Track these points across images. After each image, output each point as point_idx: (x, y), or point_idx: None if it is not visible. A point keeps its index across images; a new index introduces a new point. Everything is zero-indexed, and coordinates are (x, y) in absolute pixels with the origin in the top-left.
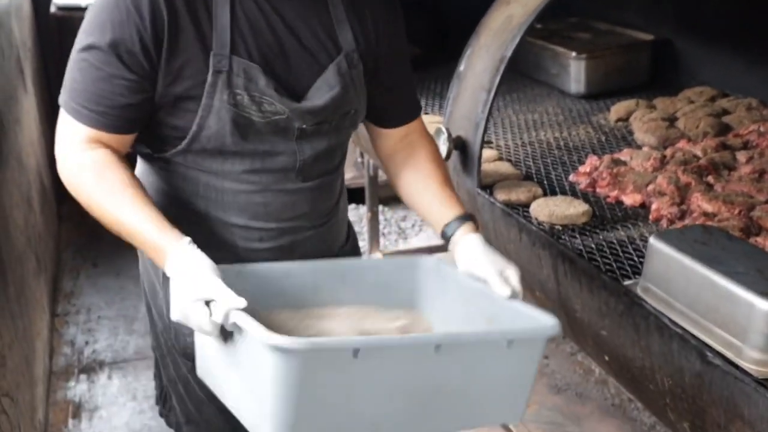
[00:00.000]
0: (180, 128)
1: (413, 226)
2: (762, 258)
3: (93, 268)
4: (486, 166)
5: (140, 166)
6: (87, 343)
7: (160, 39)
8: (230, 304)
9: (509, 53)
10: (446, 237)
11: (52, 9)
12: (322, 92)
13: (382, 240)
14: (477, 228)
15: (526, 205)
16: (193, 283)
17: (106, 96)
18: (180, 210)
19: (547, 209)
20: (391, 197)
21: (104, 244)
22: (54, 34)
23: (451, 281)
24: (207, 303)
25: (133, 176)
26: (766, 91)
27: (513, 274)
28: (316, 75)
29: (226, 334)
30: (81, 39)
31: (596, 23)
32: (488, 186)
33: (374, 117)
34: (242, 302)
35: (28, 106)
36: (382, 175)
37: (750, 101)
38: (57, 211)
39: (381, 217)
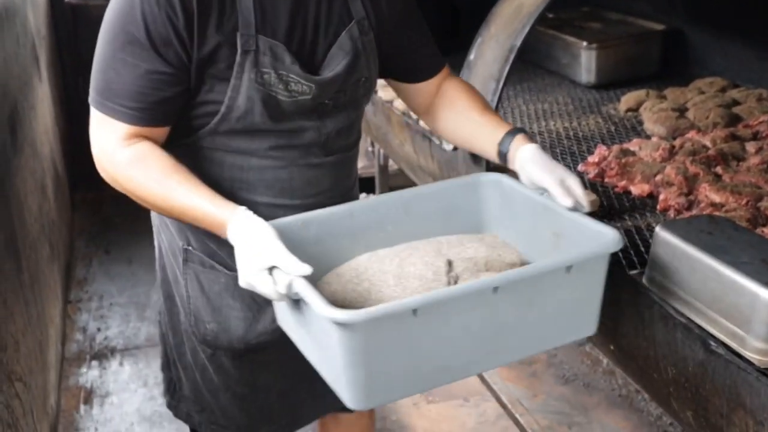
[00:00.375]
0: (209, 110)
1: None
2: (767, 248)
3: (105, 255)
4: None
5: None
6: (99, 329)
7: (192, 25)
8: (293, 271)
9: (519, 43)
10: (503, 156)
11: None
12: (337, 59)
13: None
14: (530, 138)
15: None
16: (256, 252)
17: (145, 92)
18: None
19: None
20: (401, 186)
21: (117, 232)
22: (69, 23)
23: (515, 196)
24: (271, 270)
25: (176, 161)
26: None
27: (574, 183)
28: (330, 44)
29: (294, 299)
30: (111, 35)
31: (607, 13)
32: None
33: (403, 75)
34: (305, 269)
35: (43, 94)
36: (392, 165)
37: (761, 92)
38: (70, 199)
39: None
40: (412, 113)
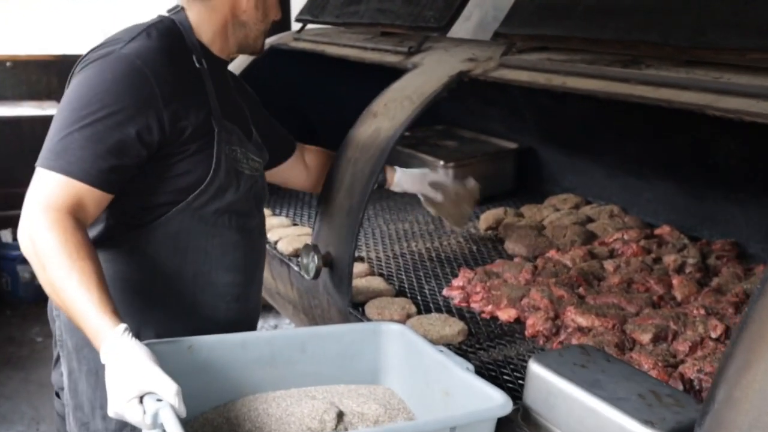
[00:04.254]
0: (190, 183)
1: None
2: (642, 381)
3: None
4: (357, 282)
5: (108, 250)
6: None
7: (174, 106)
8: (162, 390)
9: (378, 169)
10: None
11: None
12: (260, 143)
13: None
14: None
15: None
16: (127, 378)
17: (104, 157)
18: (164, 283)
19: (422, 329)
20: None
21: None
22: None
23: (414, 349)
24: (142, 398)
25: (94, 250)
26: (624, 198)
27: (439, 180)
28: (251, 128)
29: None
30: (80, 102)
31: (461, 131)
32: (360, 304)
33: (275, 157)
34: (174, 389)
35: None
36: None
37: (612, 208)
38: None
39: None
40: (268, 236)
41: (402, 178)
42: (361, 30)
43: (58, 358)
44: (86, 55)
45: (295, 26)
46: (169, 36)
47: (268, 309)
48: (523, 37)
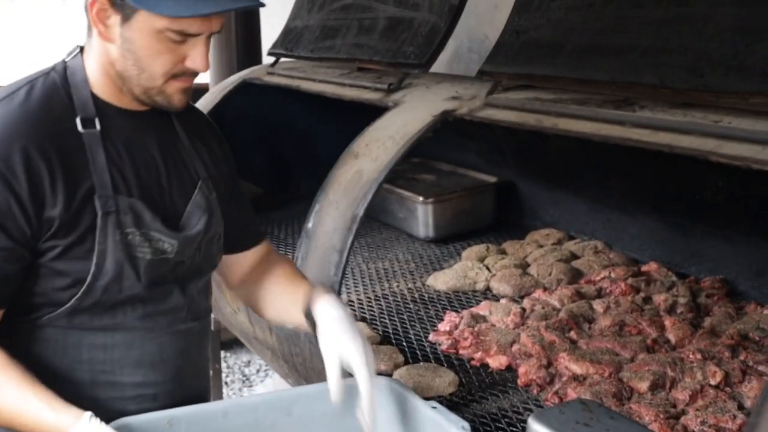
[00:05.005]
0: (65, 284)
1: (258, 371)
2: None
3: None
4: None
5: None
6: None
7: (40, 193)
8: None
9: (361, 212)
10: (309, 319)
11: None
12: (195, 217)
13: (225, 390)
14: (327, 302)
15: (389, 375)
16: None
17: None
18: (56, 386)
19: (411, 381)
20: (233, 340)
21: None
22: None
23: (405, 406)
24: None
25: (7, 354)
26: (608, 233)
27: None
28: (186, 201)
29: None
30: None
31: (438, 164)
32: None
33: (227, 243)
34: None
35: None
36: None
37: (595, 244)
38: None
39: (223, 364)
40: None
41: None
42: (337, 64)
43: None
44: None
45: (266, 59)
46: (43, 98)
47: (241, 344)
48: (509, 75)
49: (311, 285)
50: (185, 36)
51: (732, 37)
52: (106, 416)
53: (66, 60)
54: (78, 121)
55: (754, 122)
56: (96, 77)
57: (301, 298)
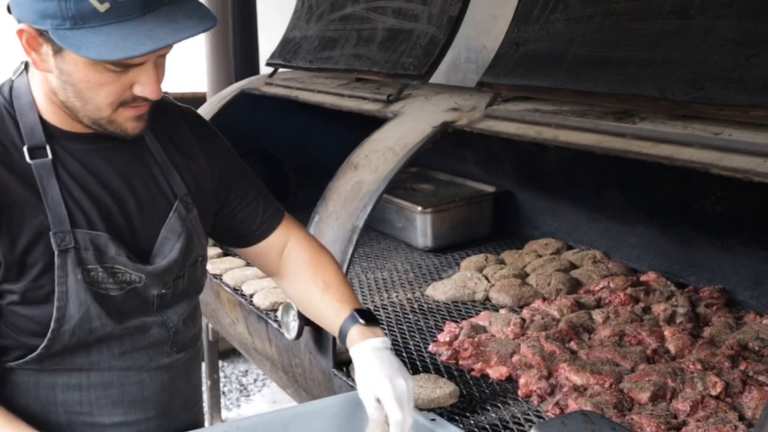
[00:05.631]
0: (34, 330)
1: (255, 381)
2: None
3: None
4: None
5: None
6: None
7: None
8: None
9: (361, 224)
10: (344, 342)
11: None
12: (169, 243)
13: (222, 399)
14: (365, 332)
15: None
16: None
17: None
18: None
19: (412, 392)
20: (230, 349)
21: None
22: None
23: None
24: None
25: None
26: (606, 243)
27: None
28: (159, 226)
29: None
30: None
31: (437, 174)
32: (345, 363)
33: (244, 237)
34: None
35: None
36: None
37: (594, 253)
38: None
39: (221, 374)
40: (243, 289)
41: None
42: (335, 75)
43: None
44: None
45: (264, 69)
46: None
47: (239, 354)
48: (509, 87)
49: (353, 305)
50: (127, 66)
51: (732, 50)
52: None
53: (13, 78)
54: (25, 150)
55: (755, 135)
56: (42, 102)
57: (339, 318)
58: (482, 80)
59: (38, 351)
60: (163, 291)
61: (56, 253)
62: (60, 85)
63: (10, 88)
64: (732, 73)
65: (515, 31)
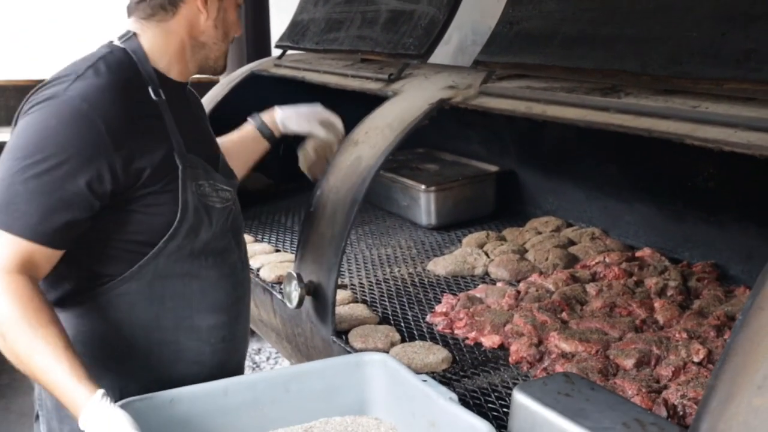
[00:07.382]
0: (159, 225)
1: (268, 359)
2: (626, 410)
3: None
4: (340, 310)
5: (78, 307)
6: None
7: (132, 149)
8: None
9: (360, 197)
10: (264, 134)
11: None
12: (228, 167)
13: None
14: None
15: (385, 352)
16: None
17: (54, 212)
18: (142, 334)
19: (406, 358)
20: None
21: None
22: None
23: (398, 378)
24: None
25: (54, 313)
26: (605, 220)
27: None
28: (219, 156)
29: None
30: (25, 152)
31: (442, 154)
32: (344, 332)
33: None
34: None
35: None
36: None
37: (593, 230)
38: None
39: None
40: (250, 263)
41: (286, 118)
42: (341, 56)
43: (38, 415)
44: (31, 95)
45: (275, 52)
46: (120, 70)
47: (251, 333)
48: (503, 65)
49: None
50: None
51: (709, 26)
52: (186, 362)
53: (117, 43)
54: (150, 90)
55: (729, 107)
56: (159, 53)
57: (247, 126)
58: (478, 59)
59: (158, 246)
60: (233, 209)
61: (180, 168)
62: (213, 24)
63: (122, 48)
64: (708, 49)
65: (510, 10)
